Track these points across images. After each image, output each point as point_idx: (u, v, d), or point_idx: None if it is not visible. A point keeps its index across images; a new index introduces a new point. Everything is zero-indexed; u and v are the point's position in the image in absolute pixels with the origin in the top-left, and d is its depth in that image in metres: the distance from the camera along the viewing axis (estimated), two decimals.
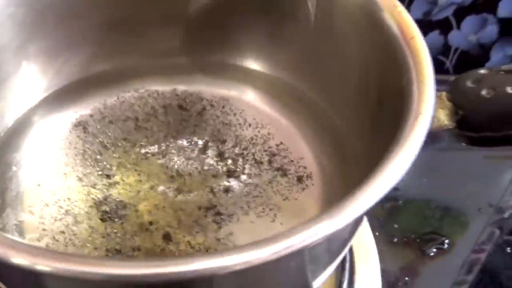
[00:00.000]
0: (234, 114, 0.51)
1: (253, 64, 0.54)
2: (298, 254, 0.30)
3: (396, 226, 0.58)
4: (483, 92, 0.37)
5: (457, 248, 0.57)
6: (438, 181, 0.63)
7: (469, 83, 0.38)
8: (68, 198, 0.45)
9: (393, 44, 0.39)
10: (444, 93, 0.38)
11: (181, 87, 0.53)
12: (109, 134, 0.50)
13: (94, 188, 0.46)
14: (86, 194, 0.46)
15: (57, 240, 0.42)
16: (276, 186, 0.46)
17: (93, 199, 0.45)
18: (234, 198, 0.45)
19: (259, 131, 0.50)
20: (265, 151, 0.48)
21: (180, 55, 0.54)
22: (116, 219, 0.44)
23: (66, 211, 0.44)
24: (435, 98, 0.35)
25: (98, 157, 0.48)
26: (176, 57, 0.54)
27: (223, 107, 0.52)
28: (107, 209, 0.44)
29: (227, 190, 0.46)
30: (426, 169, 0.62)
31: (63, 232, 0.43)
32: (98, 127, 0.50)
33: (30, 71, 0.50)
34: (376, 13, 0.41)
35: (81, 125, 0.50)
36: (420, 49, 0.37)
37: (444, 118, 0.38)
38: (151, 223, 0.44)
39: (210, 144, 0.49)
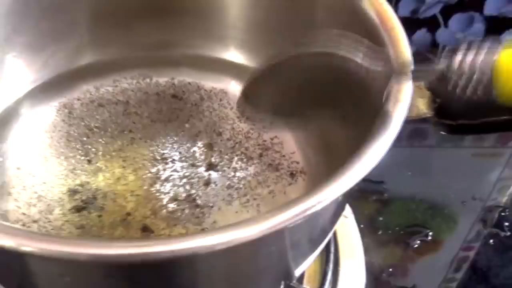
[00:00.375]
0: (231, 108, 0.52)
1: (249, 60, 0.54)
2: (279, 236, 0.31)
3: (381, 219, 0.59)
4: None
5: (441, 243, 0.58)
6: (426, 177, 0.63)
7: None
8: (44, 183, 0.45)
9: (374, 34, 0.39)
10: (423, 83, 0.39)
11: (178, 78, 0.53)
12: (97, 117, 0.50)
13: (73, 173, 0.46)
14: (63, 178, 0.46)
15: (29, 227, 0.42)
16: (263, 180, 0.46)
17: (69, 184, 0.45)
18: (214, 190, 0.45)
19: (254, 124, 0.50)
20: (258, 145, 0.49)
21: (170, 48, 0.54)
22: (92, 210, 0.44)
23: (39, 196, 0.44)
24: (413, 87, 0.36)
25: (84, 139, 0.49)
26: (166, 50, 0.54)
27: (220, 100, 0.52)
28: (83, 197, 0.44)
29: (207, 182, 0.46)
30: (414, 165, 0.63)
31: (36, 221, 0.43)
32: (85, 110, 0.51)
33: (17, 64, 0.51)
34: (357, 5, 0.42)
35: (67, 109, 0.51)
36: (400, 40, 0.38)
37: (423, 107, 0.38)
38: (128, 214, 0.44)
39: (203, 134, 0.49)
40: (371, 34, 0.39)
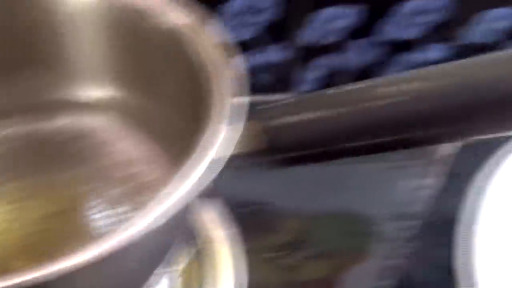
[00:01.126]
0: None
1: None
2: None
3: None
4: (285, 119, 0.41)
5: (363, 256, 0.59)
6: (343, 194, 0.64)
7: (274, 111, 0.42)
8: None
9: (200, 74, 0.41)
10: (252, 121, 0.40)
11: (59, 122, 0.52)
12: None
13: None
14: None
15: None
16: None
17: None
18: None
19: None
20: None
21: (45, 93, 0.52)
22: None
23: None
24: (243, 124, 0.37)
25: None
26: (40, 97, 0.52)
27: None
28: None
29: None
30: (328, 183, 0.64)
31: None
32: None
33: None
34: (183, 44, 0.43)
35: None
36: (222, 78, 0.39)
37: (251, 143, 0.40)
38: None
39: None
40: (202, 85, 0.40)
